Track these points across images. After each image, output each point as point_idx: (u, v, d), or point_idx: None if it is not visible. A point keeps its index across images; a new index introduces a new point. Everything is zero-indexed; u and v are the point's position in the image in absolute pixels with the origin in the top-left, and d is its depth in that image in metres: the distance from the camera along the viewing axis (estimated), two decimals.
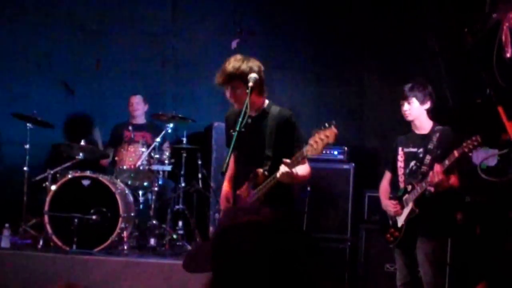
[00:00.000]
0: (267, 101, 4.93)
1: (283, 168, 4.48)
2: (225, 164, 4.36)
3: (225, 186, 5.04)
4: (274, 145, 4.77)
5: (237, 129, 4.33)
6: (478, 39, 6.80)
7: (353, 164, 7.62)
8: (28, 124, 7.64)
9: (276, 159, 4.69)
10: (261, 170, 4.73)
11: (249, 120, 4.70)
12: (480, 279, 6.21)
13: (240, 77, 4.66)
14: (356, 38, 8.49)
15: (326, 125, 4.40)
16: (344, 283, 7.25)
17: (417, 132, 5.56)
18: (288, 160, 4.50)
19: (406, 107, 5.50)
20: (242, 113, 4.39)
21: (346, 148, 7.73)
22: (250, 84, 4.51)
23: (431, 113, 5.55)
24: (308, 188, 7.41)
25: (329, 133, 4.38)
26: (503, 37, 6.04)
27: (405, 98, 5.50)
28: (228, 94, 4.76)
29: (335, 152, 7.71)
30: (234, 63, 4.69)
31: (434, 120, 5.54)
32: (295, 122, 4.89)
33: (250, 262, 1.92)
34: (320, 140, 4.38)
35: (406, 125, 8.10)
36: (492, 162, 6.46)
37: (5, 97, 7.91)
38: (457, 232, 5.60)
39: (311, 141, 4.42)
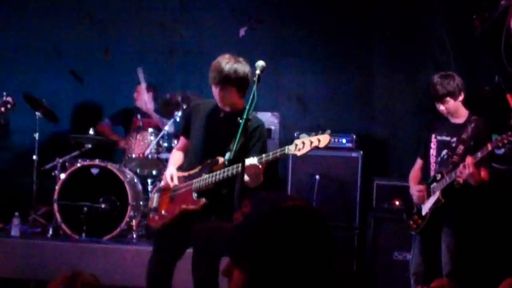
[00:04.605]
0: (243, 104, 4.89)
1: (252, 160, 4.51)
2: (232, 152, 4.45)
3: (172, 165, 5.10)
4: (241, 143, 4.71)
5: (244, 117, 4.33)
6: (487, 26, 6.77)
7: (362, 152, 7.59)
8: (37, 113, 7.66)
9: (238, 156, 4.72)
10: (221, 159, 4.78)
11: (221, 114, 4.89)
12: (505, 274, 6.16)
13: (234, 81, 4.71)
14: (365, 25, 8.47)
15: (325, 132, 4.49)
16: (352, 271, 7.25)
17: (453, 121, 5.43)
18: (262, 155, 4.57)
19: (442, 107, 5.35)
20: (249, 101, 4.39)
21: (354, 136, 7.71)
22: (258, 72, 4.48)
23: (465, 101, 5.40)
24: (317, 176, 7.40)
25: (322, 138, 4.48)
26: None
27: (439, 100, 5.32)
28: (217, 92, 4.76)
29: (344, 140, 7.68)
30: (232, 65, 4.70)
31: (469, 108, 5.41)
32: (264, 132, 4.96)
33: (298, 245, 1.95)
34: (310, 142, 4.47)
35: (416, 113, 8.16)
36: (500, 150, 6.41)
37: (14, 87, 7.91)
38: (482, 225, 5.49)
39: (296, 141, 4.52)
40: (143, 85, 8.20)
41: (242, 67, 4.73)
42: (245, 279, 1.97)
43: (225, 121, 4.87)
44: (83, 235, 7.10)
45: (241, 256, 1.98)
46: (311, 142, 4.48)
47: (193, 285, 4.89)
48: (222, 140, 4.83)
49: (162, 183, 5.08)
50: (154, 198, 5.15)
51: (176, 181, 4.94)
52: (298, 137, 4.59)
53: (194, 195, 4.81)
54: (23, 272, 6.81)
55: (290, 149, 4.53)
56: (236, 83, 4.72)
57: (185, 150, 5.20)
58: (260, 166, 4.54)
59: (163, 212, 4.99)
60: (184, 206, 4.86)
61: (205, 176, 4.79)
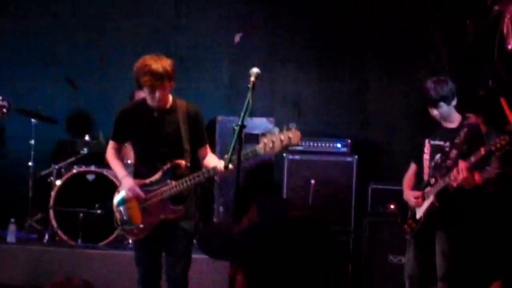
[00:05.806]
0: (171, 96, 4.99)
1: (226, 162, 4.49)
2: (227, 159, 4.37)
3: (126, 176, 5.06)
4: (190, 139, 4.92)
5: (239, 123, 4.30)
6: (480, 31, 6.82)
7: (356, 157, 7.64)
8: (33, 120, 7.68)
9: (193, 153, 4.94)
10: (183, 162, 4.86)
11: (155, 114, 4.91)
12: (495, 277, 6.19)
13: (169, 77, 4.79)
14: (359, 31, 8.51)
15: (290, 128, 4.56)
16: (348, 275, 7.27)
17: (445, 125, 5.41)
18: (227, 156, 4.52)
19: (435, 112, 5.33)
20: (244, 108, 4.34)
21: (349, 140, 7.77)
22: (252, 79, 4.46)
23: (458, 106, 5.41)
24: (312, 181, 7.42)
25: (292, 135, 4.54)
26: (505, 29, 6.05)
27: (433, 104, 5.29)
28: (158, 93, 4.78)
29: (338, 145, 7.74)
30: (161, 63, 4.74)
31: (462, 112, 5.43)
32: (202, 116, 5.09)
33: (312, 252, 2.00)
34: (280, 140, 4.52)
35: (410, 118, 8.20)
36: None
37: (10, 93, 7.90)
38: (476, 229, 5.52)
39: (265, 140, 4.55)
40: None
41: (168, 61, 4.80)
42: (249, 283, 2.01)
43: (162, 120, 4.91)
44: (79, 241, 7.12)
45: (246, 261, 2.02)
46: (281, 140, 4.52)
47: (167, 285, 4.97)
48: (169, 139, 4.89)
49: (128, 194, 4.98)
50: (122, 211, 5.07)
51: (140, 191, 4.93)
52: (264, 135, 4.63)
53: (170, 205, 4.86)
54: (19, 278, 6.82)
55: (260, 148, 4.56)
56: (170, 78, 4.79)
57: (118, 154, 5.21)
58: (232, 167, 4.52)
59: (141, 225, 4.95)
60: (163, 216, 4.88)
61: (174, 183, 4.83)
